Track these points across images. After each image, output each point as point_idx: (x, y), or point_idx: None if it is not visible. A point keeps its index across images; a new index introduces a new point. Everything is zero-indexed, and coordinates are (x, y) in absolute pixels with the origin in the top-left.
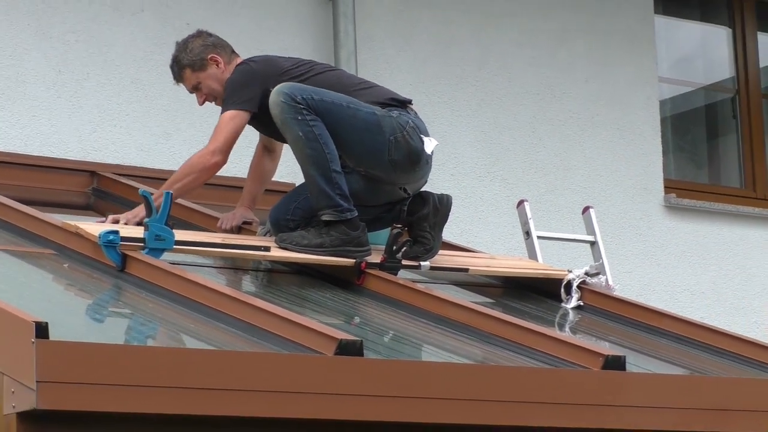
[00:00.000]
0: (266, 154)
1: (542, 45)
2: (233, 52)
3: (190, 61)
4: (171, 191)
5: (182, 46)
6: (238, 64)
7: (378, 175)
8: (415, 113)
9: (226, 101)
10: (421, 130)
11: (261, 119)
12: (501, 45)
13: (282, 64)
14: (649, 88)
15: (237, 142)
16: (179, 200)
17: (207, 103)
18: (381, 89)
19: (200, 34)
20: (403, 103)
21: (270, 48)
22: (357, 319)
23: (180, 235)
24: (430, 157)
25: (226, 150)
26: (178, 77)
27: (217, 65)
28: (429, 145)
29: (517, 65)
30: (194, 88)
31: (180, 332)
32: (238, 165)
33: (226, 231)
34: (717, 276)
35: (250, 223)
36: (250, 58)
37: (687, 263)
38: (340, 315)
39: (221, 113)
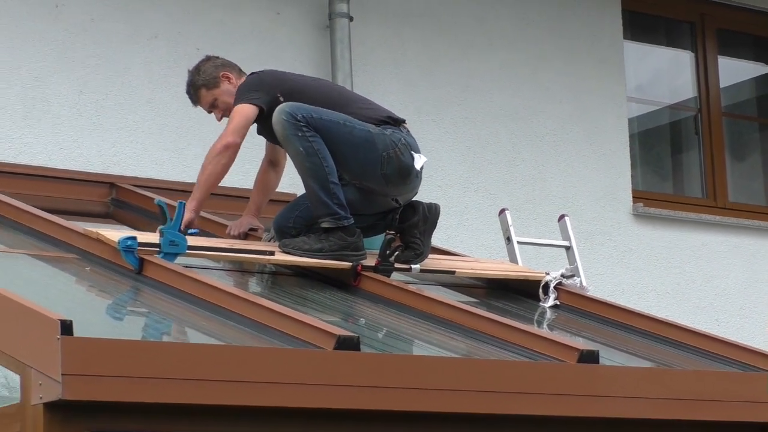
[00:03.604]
0: (271, 167)
1: (520, 69)
2: (241, 70)
3: (205, 81)
4: (184, 201)
5: (195, 71)
6: (248, 75)
7: (372, 188)
8: (408, 131)
9: (236, 100)
10: (412, 147)
11: (270, 129)
12: (482, 70)
13: (289, 75)
14: (619, 107)
15: (243, 156)
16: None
17: (215, 122)
18: (379, 108)
19: (209, 58)
20: (397, 122)
21: None
22: (354, 317)
23: (192, 240)
24: (419, 171)
25: (236, 133)
26: (195, 99)
27: (229, 81)
28: (419, 161)
29: (498, 88)
30: (211, 106)
31: (192, 329)
32: (245, 177)
33: (234, 237)
34: (681, 278)
35: (255, 230)
36: (260, 70)
37: (653, 266)
38: (339, 313)
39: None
